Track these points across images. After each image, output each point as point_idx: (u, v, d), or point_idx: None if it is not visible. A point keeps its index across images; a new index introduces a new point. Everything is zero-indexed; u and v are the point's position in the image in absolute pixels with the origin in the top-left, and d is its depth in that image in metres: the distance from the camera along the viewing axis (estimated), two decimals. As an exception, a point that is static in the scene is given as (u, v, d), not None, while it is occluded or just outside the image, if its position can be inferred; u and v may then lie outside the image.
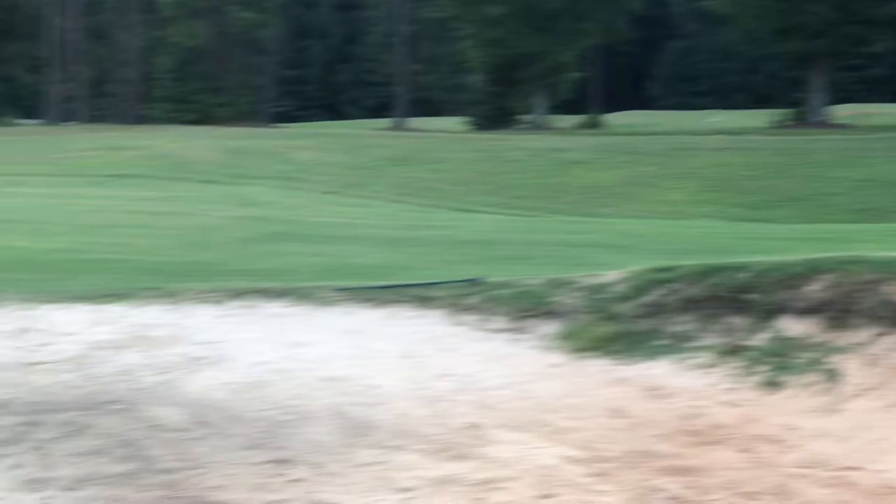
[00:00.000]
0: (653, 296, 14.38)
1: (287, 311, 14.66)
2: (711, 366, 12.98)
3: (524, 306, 14.59)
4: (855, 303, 13.19)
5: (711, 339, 13.52)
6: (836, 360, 12.49)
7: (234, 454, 9.89)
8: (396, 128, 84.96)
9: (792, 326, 13.36)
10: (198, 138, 63.43)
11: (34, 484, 8.93)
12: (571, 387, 12.49)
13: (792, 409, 11.78)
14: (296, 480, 9.21)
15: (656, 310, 14.18)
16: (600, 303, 14.43)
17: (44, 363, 12.91)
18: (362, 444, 10.36)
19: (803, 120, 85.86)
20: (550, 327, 14.17)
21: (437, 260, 22.11)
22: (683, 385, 12.58)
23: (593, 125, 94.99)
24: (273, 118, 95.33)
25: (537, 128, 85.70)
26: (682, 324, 13.89)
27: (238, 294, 15.20)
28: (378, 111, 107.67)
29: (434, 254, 23.99)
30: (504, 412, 11.56)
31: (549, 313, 14.43)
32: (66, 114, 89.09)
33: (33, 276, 18.39)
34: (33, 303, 14.85)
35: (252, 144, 60.85)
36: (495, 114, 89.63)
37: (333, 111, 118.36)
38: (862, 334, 12.84)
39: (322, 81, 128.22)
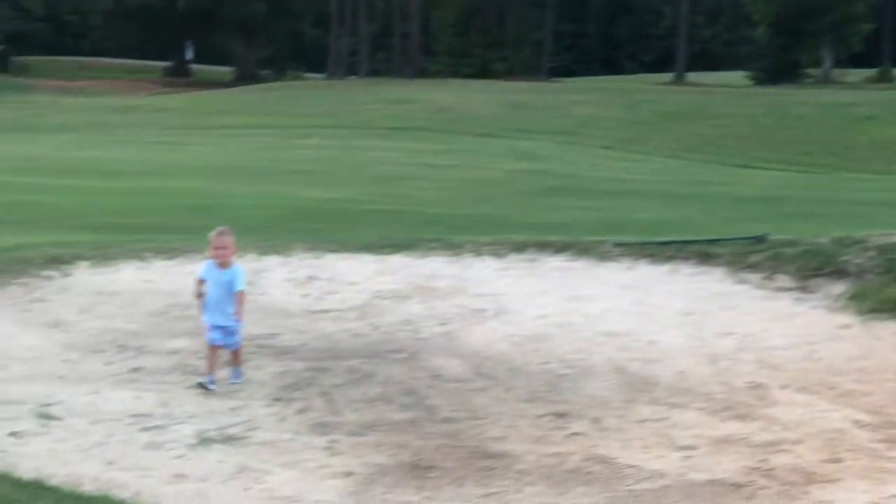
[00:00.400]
0: (951, 256, 13.72)
1: (568, 266, 14.62)
2: None
3: (811, 265, 14.11)
4: None
5: None
6: None
7: (514, 406, 9.95)
8: (676, 82, 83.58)
9: None
10: (477, 92, 64.02)
11: (321, 428, 9.20)
12: (861, 349, 12.03)
13: None
14: (575, 434, 9.19)
15: (954, 271, 13.52)
16: (893, 263, 13.82)
17: (330, 311, 13.27)
18: (642, 400, 10.26)
19: None
20: (839, 287, 13.66)
21: (719, 216, 21.69)
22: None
23: (885, 79, 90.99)
24: (551, 72, 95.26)
25: (824, 82, 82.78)
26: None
27: (519, 247, 15.23)
28: (657, 65, 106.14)
29: (715, 210, 23.53)
30: (789, 373, 11.24)
31: (837, 273, 13.91)
32: (349, 68, 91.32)
33: (319, 225, 18.91)
34: (319, 252, 15.25)
35: (530, 99, 61.00)
36: (779, 67, 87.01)
37: (611, 65, 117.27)
38: None
39: (601, 35, 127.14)
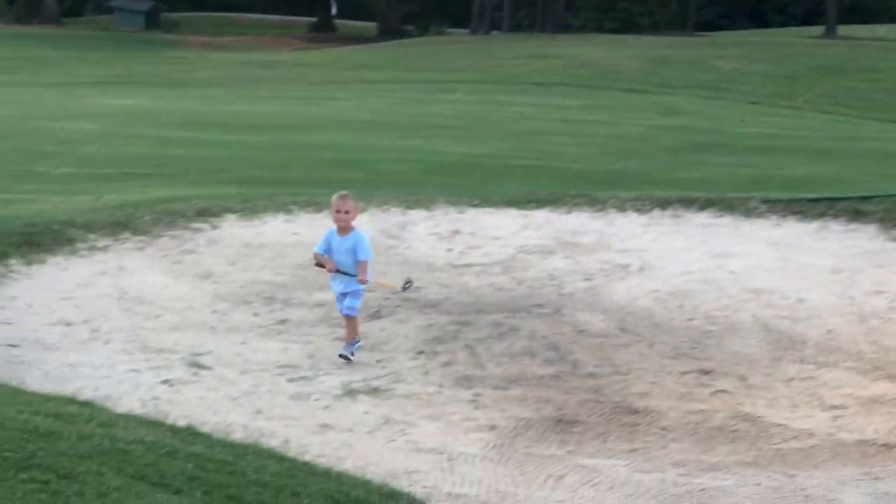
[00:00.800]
0: None
1: (713, 222, 14.42)
2: None
3: (967, 223, 13.71)
4: None
5: None
6: None
7: (658, 362, 9.88)
8: (826, 35, 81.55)
9: None
10: (621, 47, 63.27)
11: (465, 381, 9.26)
12: None
13: None
14: (720, 391, 9.10)
15: None
16: None
17: (473, 265, 13.30)
18: (789, 358, 10.10)
19: None
20: None
21: (870, 173, 21.14)
22: None
23: None
24: (696, 26, 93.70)
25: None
26: None
27: (663, 203, 15.07)
28: (807, 19, 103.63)
29: (866, 166, 22.95)
30: (943, 333, 10.95)
31: None
32: (492, 23, 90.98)
33: (462, 180, 18.95)
34: (463, 206, 15.28)
35: (675, 53, 60.06)
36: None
37: (759, 19, 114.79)
38: None
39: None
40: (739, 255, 13.24)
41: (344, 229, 10.07)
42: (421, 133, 28.82)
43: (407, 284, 10.51)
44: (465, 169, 21.25)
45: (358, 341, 9.93)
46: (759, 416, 8.46)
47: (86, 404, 6.95)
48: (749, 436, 8.01)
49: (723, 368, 9.71)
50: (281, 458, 6.28)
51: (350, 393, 8.88)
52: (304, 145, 25.09)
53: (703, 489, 6.77)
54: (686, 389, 9.10)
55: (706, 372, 9.59)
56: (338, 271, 9.98)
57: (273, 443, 7.08)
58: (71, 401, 6.97)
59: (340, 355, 9.73)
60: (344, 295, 9.98)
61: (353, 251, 9.95)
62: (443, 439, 7.75)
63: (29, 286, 11.52)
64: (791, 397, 8.99)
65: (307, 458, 6.44)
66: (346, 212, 10.06)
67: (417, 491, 6.33)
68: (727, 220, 14.46)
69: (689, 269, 12.83)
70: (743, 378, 9.45)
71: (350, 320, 9.99)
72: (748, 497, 6.71)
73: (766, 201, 14.94)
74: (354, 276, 9.91)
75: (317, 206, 14.22)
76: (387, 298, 11.80)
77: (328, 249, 10.06)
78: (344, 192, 10.54)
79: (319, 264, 10.21)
